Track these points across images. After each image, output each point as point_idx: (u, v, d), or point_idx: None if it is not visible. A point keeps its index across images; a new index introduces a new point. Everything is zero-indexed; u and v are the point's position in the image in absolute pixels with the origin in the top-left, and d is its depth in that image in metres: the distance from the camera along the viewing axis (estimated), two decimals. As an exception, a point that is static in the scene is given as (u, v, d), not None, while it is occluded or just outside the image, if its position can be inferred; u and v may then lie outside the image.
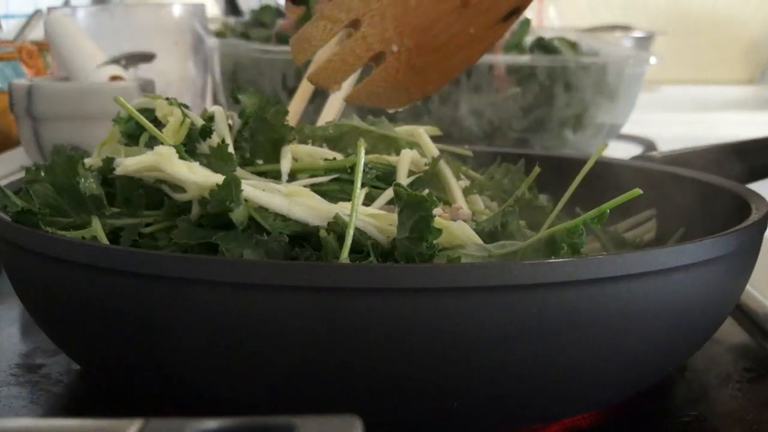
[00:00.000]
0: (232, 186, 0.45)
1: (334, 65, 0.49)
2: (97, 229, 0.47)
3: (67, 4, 1.56)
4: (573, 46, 1.10)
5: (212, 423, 0.28)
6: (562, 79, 1.02)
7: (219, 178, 0.45)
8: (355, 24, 0.49)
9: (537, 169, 0.53)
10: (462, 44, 0.48)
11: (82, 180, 0.48)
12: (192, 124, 0.52)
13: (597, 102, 1.06)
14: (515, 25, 1.12)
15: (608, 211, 0.55)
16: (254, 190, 0.46)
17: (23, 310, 0.61)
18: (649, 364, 0.46)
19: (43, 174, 0.49)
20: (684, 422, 0.48)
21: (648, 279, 0.41)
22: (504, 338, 0.40)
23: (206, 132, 0.52)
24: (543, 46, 1.10)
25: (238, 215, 0.45)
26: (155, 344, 0.42)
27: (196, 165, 0.47)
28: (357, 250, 0.45)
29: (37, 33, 1.36)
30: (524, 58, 1.03)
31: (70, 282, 0.43)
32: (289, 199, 0.46)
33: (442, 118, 0.98)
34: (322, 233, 0.45)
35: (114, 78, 1.00)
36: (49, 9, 1.13)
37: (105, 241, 0.47)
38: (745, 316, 0.61)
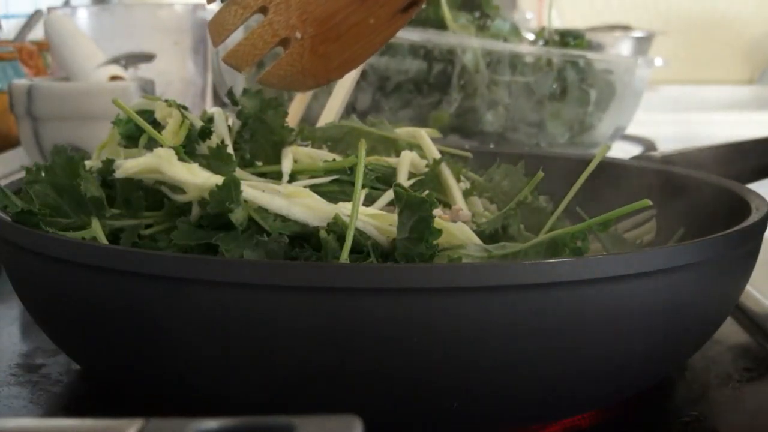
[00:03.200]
0: (231, 187, 0.45)
1: (245, 49, 0.51)
2: (96, 229, 0.47)
3: (67, 4, 1.56)
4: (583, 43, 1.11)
5: (212, 423, 0.28)
6: (576, 72, 1.03)
7: (218, 179, 0.45)
8: (263, 10, 0.51)
9: (540, 174, 0.53)
10: (362, 34, 0.50)
11: (83, 182, 0.48)
12: (191, 125, 0.52)
13: (604, 104, 1.06)
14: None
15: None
16: (254, 190, 0.46)
17: (23, 310, 0.60)
18: (649, 364, 0.46)
19: (43, 174, 0.49)
20: (684, 422, 0.48)
21: (648, 279, 0.41)
22: (504, 338, 0.40)
23: (206, 133, 0.52)
24: (562, 34, 1.11)
25: (237, 216, 0.45)
26: (155, 344, 0.42)
27: (195, 166, 0.47)
28: (357, 250, 0.45)
29: (37, 33, 1.36)
30: (537, 49, 1.04)
31: (70, 282, 0.43)
32: (288, 199, 0.46)
33: (459, 112, 0.98)
34: (322, 234, 0.45)
35: (114, 78, 1.01)
36: (49, 9, 1.13)
37: (105, 241, 0.47)
38: (745, 316, 0.62)
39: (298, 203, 0.46)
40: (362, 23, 0.50)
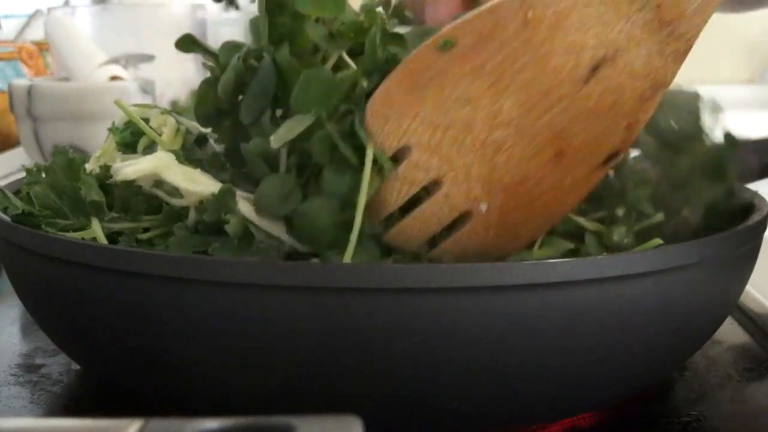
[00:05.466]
0: (227, 196, 0.44)
1: (414, 226, 0.44)
2: (96, 230, 0.47)
3: (67, 4, 1.56)
4: None
5: (212, 423, 0.28)
6: None
7: (218, 187, 0.45)
8: (434, 184, 0.44)
9: None
10: (558, 197, 0.43)
11: (83, 185, 0.48)
12: (187, 131, 0.52)
13: None
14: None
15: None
16: (248, 206, 0.45)
17: (23, 310, 0.61)
18: (649, 364, 0.46)
19: (43, 175, 0.49)
20: (684, 422, 0.48)
21: (648, 279, 0.41)
22: (504, 338, 0.40)
23: (203, 140, 0.52)
24: None
25: (233, 227, 0.44)
26: (155, 344, 0.42)
27: (196, 172, 0.47)
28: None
29: (37, 33, 1.36)
30: None
31: (70, 282, 0.43)
32: (281, 222, 0.45)
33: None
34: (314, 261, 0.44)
35: (114, 78, 1.01)
36: (49, 9, 1.13)
37: (104, 242, 0.47)
38: (745, 316, 0.61)
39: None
40: (557, 185, 0.43)
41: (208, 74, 0.51)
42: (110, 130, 0.54)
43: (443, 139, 0.43)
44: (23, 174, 0.50)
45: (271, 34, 0.46)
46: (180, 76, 1.13)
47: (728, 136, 0.49)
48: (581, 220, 0.47)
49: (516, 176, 0.43)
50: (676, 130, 0.50)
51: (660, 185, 0.50)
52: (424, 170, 0.44)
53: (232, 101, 0.48)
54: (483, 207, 0.43)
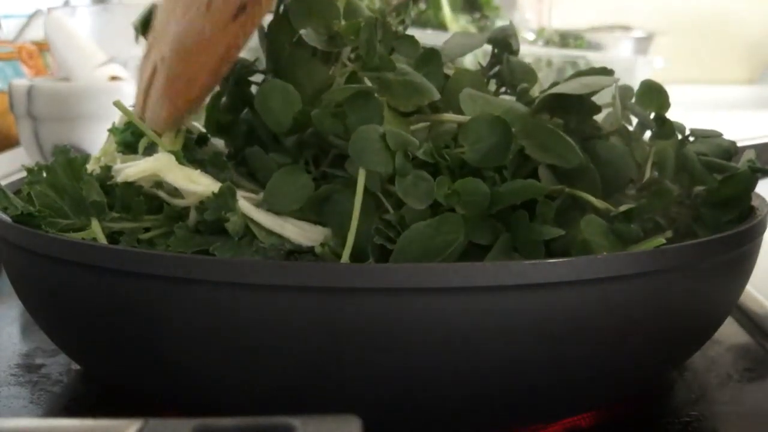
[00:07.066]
0: (227, 195, 0.44)
1: (141, 90, 0.52)
2: (96, 230, 0.47)
3: (67, 4, 1.56)
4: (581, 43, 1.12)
5: (212, 423, 0.28)
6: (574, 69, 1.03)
7: (218, 187, 0.45)
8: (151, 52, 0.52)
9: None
10: (201, 48, 0.48)
11: (85, 185, 0.48)
12: (188, 131, 0.52)
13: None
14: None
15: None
16: (248, 204, 0.45)
17: (23, 310, 0.60)
18: (649, 364, 0.46)
19: (44, 175, 0.49)
20: (684, 422, 0.48)
21: (648, 279, 0.41)
22: (504, 338, 0.40)
23: (203, 140, 0.52)
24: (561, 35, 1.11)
25: (233, 226, 0.44)
26: (155, 344, 0.42)
27: (196, 173, 0.47)
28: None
29: (37, 33, 1.36)
30: (537, 49, 1.04)
31: (70, 282, 0.43)
32: (282, 218, 0.45)
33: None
34: (318, 249, 0.44)
35: (114, 78, 1.01)
36: (49, 9, 1.13)
37: (104, 242, 0.47)
38: (745, 316, 0.61)
39: (291, 222, 0.45)
40: (201, 34, 0.48)
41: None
42: (110, 130, 0.54)
43: (165, 18, 0.52)
44: (23, 174, 0.50)
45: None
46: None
47: (753, 166, 0.50)
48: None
49: (179, 27, 0.50)
50: (705, 160, 0.52)
51: (677, 203, 0.50)
52: (156, 46, 0.52)
53: (234, 117, 0.52)
54: (159, 57, 0.50)
